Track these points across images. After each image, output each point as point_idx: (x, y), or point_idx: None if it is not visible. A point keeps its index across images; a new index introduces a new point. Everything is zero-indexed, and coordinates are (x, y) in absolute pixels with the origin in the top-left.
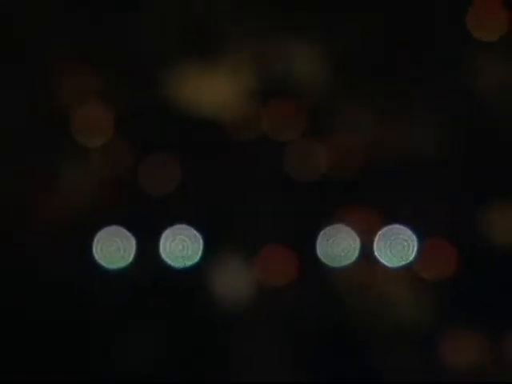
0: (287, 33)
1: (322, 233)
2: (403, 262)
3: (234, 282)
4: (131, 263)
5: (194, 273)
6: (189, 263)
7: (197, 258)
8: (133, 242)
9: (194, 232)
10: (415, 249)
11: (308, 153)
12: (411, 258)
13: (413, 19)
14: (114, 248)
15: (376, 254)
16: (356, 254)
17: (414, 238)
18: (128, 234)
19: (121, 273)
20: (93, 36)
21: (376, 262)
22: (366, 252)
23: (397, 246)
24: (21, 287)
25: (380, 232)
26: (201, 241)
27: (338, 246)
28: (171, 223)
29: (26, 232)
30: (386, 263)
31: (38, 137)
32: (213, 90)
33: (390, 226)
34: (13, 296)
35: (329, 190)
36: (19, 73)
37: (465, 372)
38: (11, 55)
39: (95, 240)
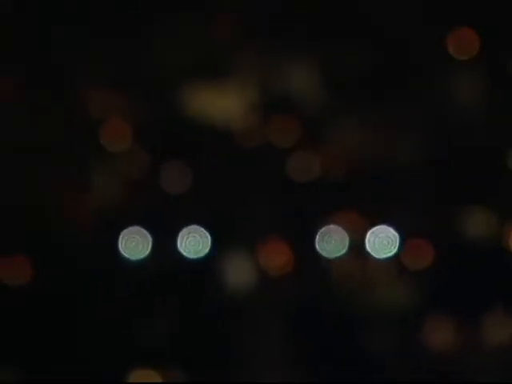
0: (286, 57)
1: (318, 230)
2: (388, 255)
3: (241, 271)
4: (150, 256)
5: (204, 263)
6: (200, 255)
7: (206, 251)
8: (149, 238)
9: (204, 230)
10: (397, 244)
11: (304, 159)
12: (394, 251)
13: (399, 42)
14: (134, 243)
15: (367, 248)
16: (346, 248)
17: (397, 235)
18: (145, 231)
19: (142, 263)
20: (117, 61)
21: (367, 254)
22: (359, 246)
23: (383, 242)
24: (60, 275)
25: (370, 231)
26: (209, 236)
27: (332, 241)
28: (185, 221)
29: (63, 228)
30: (374, 255)
31: (72, 146)
32: (222, 105)
33: (378, 226)
34: (55, 282)
35: (324, 193)
36: (59, 94)
37: (442, 349)
38: (51, 80)
39: (120, 237)
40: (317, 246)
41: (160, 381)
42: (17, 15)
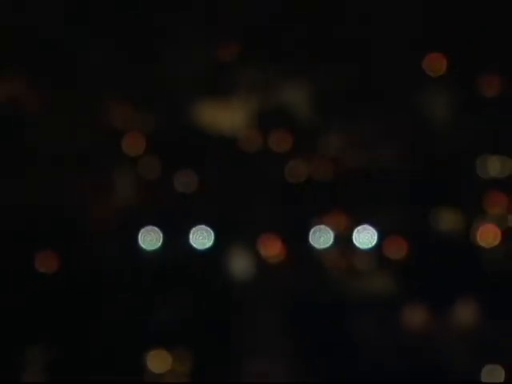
0: (282, 78)
1: (311, 227)
2: (369, 246)
3: (242, 261)
4: (162, 248)
5: (211, 254)
6: (207, 247)
7: (211, 244)
8: (163, 233)
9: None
10: (376, 238)
11: (297, 165)
12: (374, 244)
13: (382, 64)
14: (150, 238)
15: (354, 241)
16: (332, 242)
17: (375, 232)
18: (159, 227)
19: (155, 255)
20: (135, 83)
21: (354, 246)
22: (345, 240)
23: (365, 236)
24: (85, 265)
25: (356, 228)
26: (212, 232)
27: (321, 236)
28: (194, 218)
29: (90, 224)
30: (360, 246)
31: (98, 154)
32: (227, 117)
33: (362, 225)
34: (80, 271)
35: (314, 195)
36: (87, 110)
37: (417, 329)
38: (81, 99)
39: (140, 233)
40: (310, 240)
41: (171, 360)
42: (47, 39)
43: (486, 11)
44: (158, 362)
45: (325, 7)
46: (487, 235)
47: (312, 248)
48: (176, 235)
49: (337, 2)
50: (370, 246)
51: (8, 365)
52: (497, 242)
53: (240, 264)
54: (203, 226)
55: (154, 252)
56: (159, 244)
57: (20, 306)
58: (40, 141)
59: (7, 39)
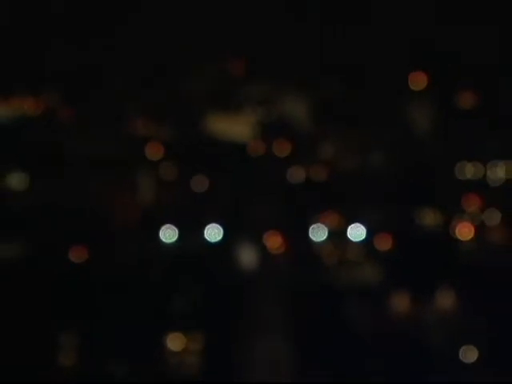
0: (283, 94)
1: (308, 223)
2: (360, 239)
3: (249, 253)
4: (178, 241)
5: (222, 246)
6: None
7: (220, 237)
8: (179, 228)
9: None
10: (365, 233)
11: (296, 170)
12: (363, 237)
13: (372, 80)
14: (168, 233)
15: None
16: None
17: (364, 228)
18: (176, 223)
19: (174, 247)
20: (155, 99)
21: (346, 240)
22: (339, 235)
23: (357, 231)
24: (114, 256)
25: (348, 224)
26: (221, 228)
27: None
28: (208, 215)
29: (115, 221)
30: (352, 239)
31: (124, 158)
32: (235, 128)
33: (354, 223)
34: (110, 261)
35: (311, 197)
36: (116, 122)
37: (401, 312)
38: (110, 112)
39: (160, 230)
40: (308, 235)
41: (185, 342)
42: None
43: (461, 37)
44: (175, 342)
45: (322, 34)
46: (464, 230)
47: (309, 242)
48: (191, 230)
49: (333, 31)
50: (360, 239)
51: (43, 345)
52: (471, 236)
53: (247, 255)
54: (215, 223)
55: (172, 245)
56: (175, 238)
57: (56, 291)
58: (74, 148)
59: (42, 62)
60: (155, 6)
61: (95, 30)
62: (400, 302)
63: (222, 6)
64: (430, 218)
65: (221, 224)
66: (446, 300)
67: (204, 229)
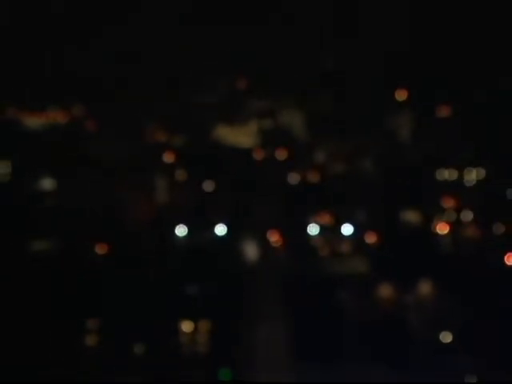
0: (282, 107)
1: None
2: (350, 233)
3: (253, 246)
4: (188, 236)
5: (227, 240)
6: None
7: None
8: (188, 225)
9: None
10: (353, 229)
11: (292, 173)
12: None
13: (358, 96)
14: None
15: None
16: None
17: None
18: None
19: (186, 239)
20: (171, 111)
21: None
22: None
23: (347, 227)
24: (133, 249)
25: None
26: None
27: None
28: (217, 213)
29: (136, 220)
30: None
31: (140, 163)
32: (240, 137)
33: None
34: (127, 255)
35: (306, 199)
36: (137, 132)
37: (386, 299)
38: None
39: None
40: (305, 231)
41: (193, 328)
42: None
43: (436, 57)
44: (187, 325)
45: (319, 58)
46: (442, 227)
47: (305, 237)
48: (200, 227)
49: (327, 56)
50: (349, 234)
51: (71, 327)
52: (447, 231)
53: (251, 248)
54: (221, 220)
55: (184, 238)
56: (186, 233)
57: (84, 278)
58: (98, 155)
59: (71, 80)
60: (175, 35)
61: (119, 50)
62: (385, 290)
63: (231, 33)
64: (412, 216)
65: (226, 221)
66: (426, 287)
67: (211, 225)
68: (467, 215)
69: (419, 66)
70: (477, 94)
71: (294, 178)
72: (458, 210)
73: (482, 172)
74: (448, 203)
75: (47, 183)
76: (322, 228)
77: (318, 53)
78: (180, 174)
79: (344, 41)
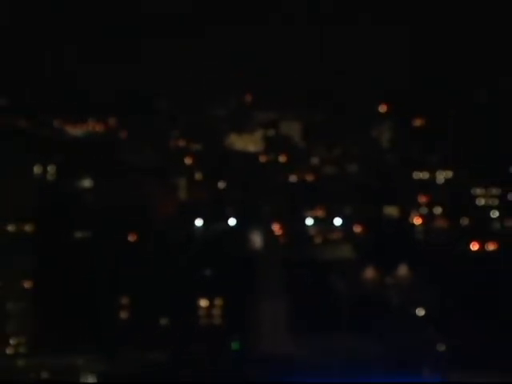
0: (283, 119)
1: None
2: (340, 224)
3: (259, 235)
4: (202, 229)
5: (240, 230)
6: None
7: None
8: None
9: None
10: (341, 221)
11: (291, 174)
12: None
13: (347, 109)
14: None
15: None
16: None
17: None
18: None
19: (203, 229)
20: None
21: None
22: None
23: (338, 220)
24: (160, 240)
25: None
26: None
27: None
28: (228, 209)
29: (161, 213)
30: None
31: (165, 166)
32: (247, 144)
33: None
34: (158, 243)
35: (304, 196)
36: (162, 143)
37: (371, 281)
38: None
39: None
40: (303, 222)
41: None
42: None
43: (414, 73)
44: (204, 302)
45: (314, 80)
46: (417, 219)
47: (302, 227)
48: (216, 219)
49: (321, 78)
50: (340, 225)
51: (105, 303)
52: (421, 223)
53: (257, 237)
54: (233, 214)
55: (201, 229)
56: (203, 224)
57: (117, 262)
58: (130, 160)
59: (103, 93)
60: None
61: (147, 70)
62: (370, 271)
63: (241, 55)
64: (392, 210)
65: (236, 214)
66: (405, 270)
67: (225, 218)
68: (438, 209)
69: (398, 85)
70: (449, 107)
71: (293, 179)
72: (430, 205)
73: (450, 173)
74: (422, 199)
75: (87, 183)
76: (317, 220)
77: (315, 80)
78: (198, 175)
79: (337, 70)
